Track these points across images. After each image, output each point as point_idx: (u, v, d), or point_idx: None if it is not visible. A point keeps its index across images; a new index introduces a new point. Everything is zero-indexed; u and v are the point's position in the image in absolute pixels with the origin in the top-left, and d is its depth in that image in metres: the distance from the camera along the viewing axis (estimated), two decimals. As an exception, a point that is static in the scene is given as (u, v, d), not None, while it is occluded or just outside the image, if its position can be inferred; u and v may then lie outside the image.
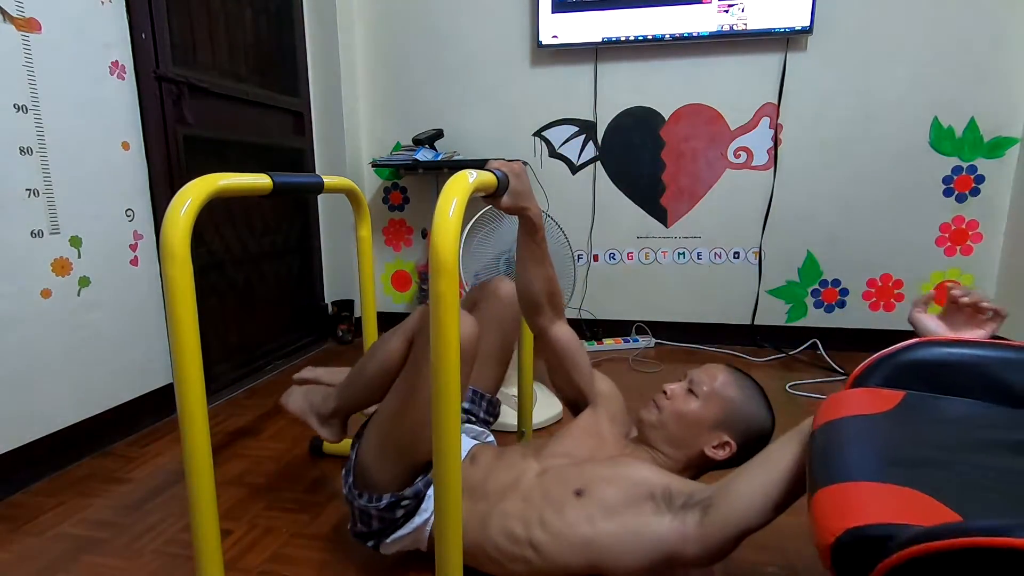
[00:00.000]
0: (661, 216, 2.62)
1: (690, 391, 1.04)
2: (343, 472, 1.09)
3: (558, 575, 0.92)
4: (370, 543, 1.06)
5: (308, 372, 1.32)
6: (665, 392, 1.06)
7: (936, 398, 0.82)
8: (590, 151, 2.62)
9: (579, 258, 2.70)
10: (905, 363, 0.86)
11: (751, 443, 1.02)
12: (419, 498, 1.02)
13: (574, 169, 2.65)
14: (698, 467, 1.05)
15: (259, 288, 2.28)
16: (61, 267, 1.48)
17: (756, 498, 0.81)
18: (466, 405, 1.26)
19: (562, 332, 1.15)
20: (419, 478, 1.02)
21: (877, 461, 0.63)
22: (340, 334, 2.74)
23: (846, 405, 0.79)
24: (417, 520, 1.02)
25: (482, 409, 1.28)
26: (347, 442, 1.21)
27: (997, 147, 2.31)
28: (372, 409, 1.12)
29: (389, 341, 1.09)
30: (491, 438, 1.25)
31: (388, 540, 1.04)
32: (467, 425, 1.23)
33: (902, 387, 0.85)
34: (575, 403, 1.20)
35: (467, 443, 1.14)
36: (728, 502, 0.83)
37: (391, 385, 1.05)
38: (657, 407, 1.05)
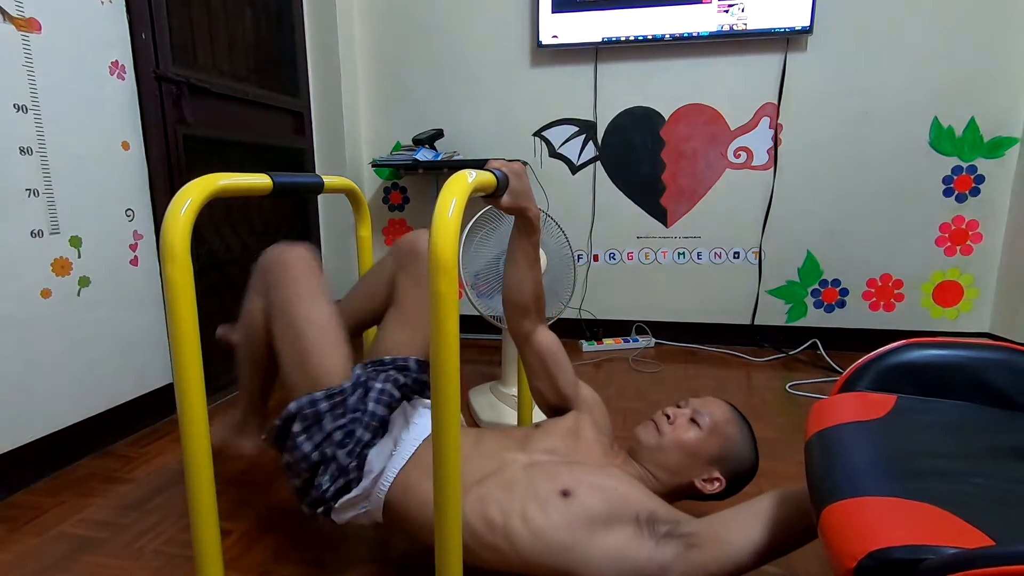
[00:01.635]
0: (661, 216, 2.62)
1: (692, 420, 1.03)
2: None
3: (525, 572, 0.90)
4: (320, 510, 1.00)
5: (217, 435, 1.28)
6: (668, 416, 1.05)
7: (927, 401, 0.82)
8: (590, 151, 2.62)
9: (579, 258, 2.70)
10: (893, 366, 0.86)
11: (736, 483, 1.05)
12: (315, 405, 1.00)
13: (574, 169, 2.65)
14: (682, 495, 1.05)
15: (259, 288, 2.27)
16: (61, 267, 1.48)
17: (745, 551, 0.83)
18: (409, 376, 1.14)
19: (547, 336, 1.14)
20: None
21: (884, 473, 0.62)
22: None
23: (838, 412, 0.78)
24: (365, 482, 0.98)
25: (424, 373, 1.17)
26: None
27: (997, 147, 2.31)
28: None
29: (247, 310, 1.19)
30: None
31: (337, 505, 0.99)
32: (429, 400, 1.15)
33: (892, 390, 0.84)
34: (558, 410, 1.18)
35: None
36: (716, 548, 0.83)
37: (274, 342, 1.10)
38: (658, 430, 1.04)
